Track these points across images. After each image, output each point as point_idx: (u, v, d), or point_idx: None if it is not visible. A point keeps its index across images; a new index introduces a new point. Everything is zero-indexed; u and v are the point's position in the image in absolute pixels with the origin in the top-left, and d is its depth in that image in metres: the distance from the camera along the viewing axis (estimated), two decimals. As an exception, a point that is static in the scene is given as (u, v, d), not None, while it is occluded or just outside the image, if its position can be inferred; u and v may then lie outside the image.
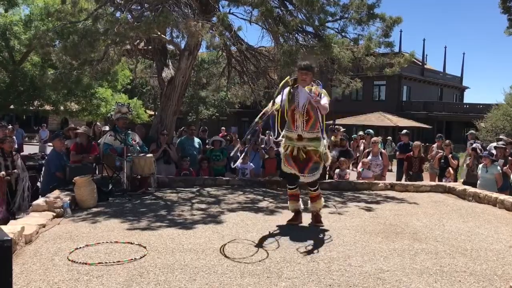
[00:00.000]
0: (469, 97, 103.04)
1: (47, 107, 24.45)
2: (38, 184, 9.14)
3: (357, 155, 11.44)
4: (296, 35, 9.55)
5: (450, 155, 10.14)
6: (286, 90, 5.56)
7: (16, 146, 10.82)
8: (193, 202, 7.40)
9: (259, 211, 6.76)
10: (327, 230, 5.70)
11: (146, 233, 5.32)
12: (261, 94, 12.18)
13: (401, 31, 34.21)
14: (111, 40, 8.36)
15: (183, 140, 10.10)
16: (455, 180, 10.03)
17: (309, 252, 4.72)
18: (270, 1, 8.77)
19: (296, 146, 5.64)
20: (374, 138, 10.49)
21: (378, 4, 9.17)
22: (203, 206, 7.07)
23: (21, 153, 10.37)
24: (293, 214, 6.08)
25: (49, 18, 11.76)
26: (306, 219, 6.07)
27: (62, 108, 23.85)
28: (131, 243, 4.86)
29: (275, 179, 9.21)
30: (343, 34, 9.51)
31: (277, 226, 5.85)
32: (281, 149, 5.93)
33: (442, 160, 10.22)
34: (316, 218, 6.04)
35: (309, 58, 6.16)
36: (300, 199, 6.09)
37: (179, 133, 11.23)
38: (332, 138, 10.28)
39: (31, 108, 23.90)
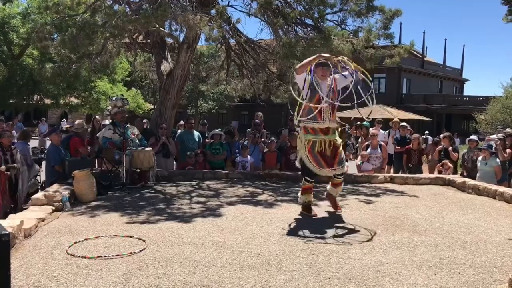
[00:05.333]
0: (469, 90, 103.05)
1: (47, 101, 24.40)
2: (38, 177, 9.16)
3: (356, 145, 11.43)
4: (296, 27, 9.51)
5: (450, 148, 10.13)
6: (307, 80, 5.61)
7: (15, 140, 10.82)
8: (192, 195, 7.39)
9: (259, 204, 6.76)
10: (327, 223, 5.70)
11: (145, 227, 5.32)
12: (261, 87, 12.14)
13: (401, 24, 34.17)
14: (109, 33, 8.32)
15: (182, 134, 10.07)
16: (455, 172, 10.02)
17: (308, 245, 4.72)
18: (269, -7, 8.70)
19: (323, 141, 5.72)
20: (373, 131, 10.46)
21: (377, -4, 9.12)
22: (202, 199, 7.06)
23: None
24: (306, 206, 6.12)
25: (47, 11, 11.70)
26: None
27: (62, 102, 23.81)
28: (131, 237, 4.86)
29: (275, 172, 9.21)
30: (342, 26, 9.49)
31: (276, 219, 5.85)
32: (303, 146, 5.86)
33: (442, 153, 10.21)
34: (336, 203, 6.37)
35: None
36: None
37: (177, 126, 11.19)
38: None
39: (30, 102, 23.86)
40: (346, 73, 5.77)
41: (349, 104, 5.80)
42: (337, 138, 6.01)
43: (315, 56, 5.73)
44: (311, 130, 5.78)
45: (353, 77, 5.65)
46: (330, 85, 5.65)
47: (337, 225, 5.65)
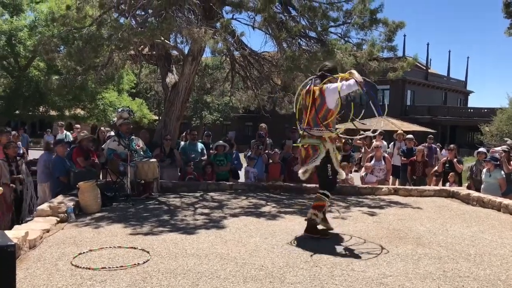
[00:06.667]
0: (474, 101, 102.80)
1: (53, 112, 24.56)
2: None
3: (360, 156, 11.43)
4: (299, 40, 9.58)
5: (455, 160, 10.13)
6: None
7: (21, 151, 10.89)
8: (196, 207, 7.41)
9: (262, 216, 6.76)
10: (330, 235, 5.70)
11: (149, 238, 5.34)
12: (265, 99, 12.20)
13: (404, 36, 34.22)
14: (115, 46, 8.41)
15: (185, 146, 10.11)
16: (460, 184, 10.00)
17: (312, 257, 4.72)
18: (273, 7, 8.79)
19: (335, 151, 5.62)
20: (376, 143, 10.48)
21: (380, 9, 9.20)
22: (206, 211, 7.08)
23: (26, 158, 10.46)
24: (314, 227, 5.57)
25: (54, 24, 11.86)
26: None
27: (67, 113, 23.96)
28: (135, 248, 4.88)
29: (278, 183, 9.22)
30: (346, 39, 9.55)
31: (280, 230, 5.85)
32: (334, 155, 5.52)
33: (447, 165, 10.20)
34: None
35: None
36: None
37: (181, 138, 11.24)
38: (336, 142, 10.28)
39: (36, 113, 24.02)
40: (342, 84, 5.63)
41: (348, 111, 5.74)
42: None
43: (360, 79, 5.34)
44: (329, 139, 5.50)
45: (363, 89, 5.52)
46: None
47: (341, 237, 5.64)
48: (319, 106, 5.38)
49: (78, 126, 14.08)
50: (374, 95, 5.50)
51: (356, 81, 5.17)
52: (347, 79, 5.31)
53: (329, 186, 5.64)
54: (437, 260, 4.70)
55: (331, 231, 5.79)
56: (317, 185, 6.05)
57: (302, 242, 5.30)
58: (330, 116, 5.41)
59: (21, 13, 20.88)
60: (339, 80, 5.33)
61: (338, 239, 5.53)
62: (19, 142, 10.96)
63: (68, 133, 13.11)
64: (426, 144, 11.77)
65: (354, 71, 5.42)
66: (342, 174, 5.76)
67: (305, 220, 5.66)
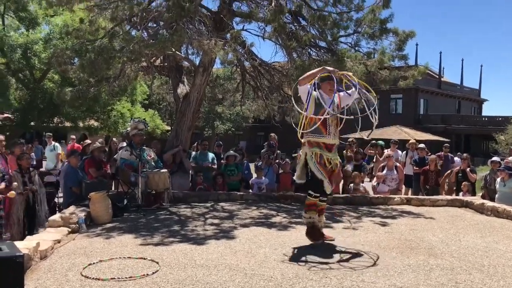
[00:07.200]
0: (488, 110, 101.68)
1: (67, 124, 24.82)
2: (56, 199, 9.32)
3: (371, 165, 11.34)
4: (309, 49, 9.60)
5: (468, 169, 10.00)
6: (312, 94, 5.46)
7: (35, 162, 11.04)
8: (206, 217, 7.41)
9: (272, 227, 6.74)
10: (340, 246, 5.65)
11: (159, 249, 5.35)
12: (275, 108, 12.22)
13: (417, 45, 34.11)
14: (127, 58, 8.52)
15: (196, 155, 10.15)
16: (473, 194, 9.86)
17: (322, 268, 4.68)
18: (283, 17, 8.83)
19: (327, 158, 5.48)
20: (388, 152, 10.40)
21: (390, 19, 9.17)
22: (216, 221, 7.08)
23: (40, 169, 10.61)
24: (311, 227, 5.66)
25: (68, 37, 12.07)
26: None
27: (81, 124, 24.19)
28: (144, 259, 4.89)
29: (289, 193, 9.19)
30: (356, 48, 9.54)
31: (290, 241, 5.82)
32: (310, 157, 5.48)
33: (460, 174, 10.08)
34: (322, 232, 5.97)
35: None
36: None
37: (192, 148, 11.28)
38: (348, 152, 10.25)
39: (51, 125, 24.29)
40: (350, 91, 5.68)
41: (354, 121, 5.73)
42: (338, 158, 5.79)
43: (319, 68, 5.63)
44: (316, 144, 5.49)
45: (360, 94, 5.57)
46: (335, 101, 5.47)
47: (351, 248, 5.59)
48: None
49: (73, 136, 14.19)
50: (356, 84, 5.47)
51: (311, 73, 5.47)
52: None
53: (308, 186, 5.67)
54: (449, 271, 4.62)
55: (328, 239, 5.83)
56: (334, 195, 6.16)
57: (312, 252, 5.26)
58: (314, 121, 5.41)
59: (37, 26, 21.23)
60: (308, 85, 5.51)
61: (348, 249, 5.47)
62: (33, 153, 11.11)
63: (57, 144, 13.01)
64: (442, 153, 11.61)
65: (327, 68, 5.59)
66: (324, 181, 5.50)
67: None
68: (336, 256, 5.15)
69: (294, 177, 5.91)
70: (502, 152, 21.61)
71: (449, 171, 10.35)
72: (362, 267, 4.74)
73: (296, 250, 5.39)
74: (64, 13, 19.07)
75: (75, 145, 13.83)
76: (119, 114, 23.03)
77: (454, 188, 10.18)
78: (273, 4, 8.54)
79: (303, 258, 5.04)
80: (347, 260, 5.01)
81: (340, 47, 9.41)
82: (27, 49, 20.12)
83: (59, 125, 25.07)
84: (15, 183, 6.81)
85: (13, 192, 6.34)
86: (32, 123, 23.00)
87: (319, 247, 5.52)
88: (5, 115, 22.32)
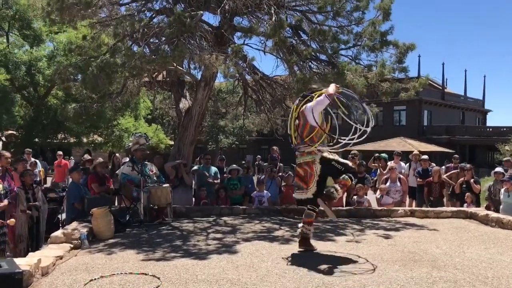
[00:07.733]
0: (492, 120, 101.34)
1: (71, 139, 24.95)
2: (59, 216, 9.30)
3: (375, 178, 11.29)
4: (310, 63, 9.65)
5: (472, 180, 9.94)
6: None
7: (38, 178, 11.07)
8: (209, 231, 7.39)
9: (275, 240, 6.71)
10: (343, 258, 5.62)
11: (160, 264, 5.33)
12: (278, 122, 12.24)
13: (419, 56, 34.10)
14: (129, 73, 8.57)
15: (199, 169, 10.14)
16: (478, 205, 9.79)
17: (324, 282, 4.64)
18: (283, 32, 8.89)
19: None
20: (391, 164, 10.37)
21: (391, 31, 9.22)
22: (218, 235, 7.05)
23: (44, 186, 10.63)
24: (307, 240, 6.04)
25: (72, 53, 12.19)
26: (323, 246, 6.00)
27: (85, 140, 24.30)
28: (145, 274, 4.87)
29: (292, 207, 9.15)
30: (356, 61, 9.58)
31: (292, 255, 5.79)
32: (331, 155, 5.86)
33: (464, 185, 10.02)
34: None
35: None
36: None
37: (195, 162, 11.29)
38: (351, 164, 10.21)
39: (55, 141, 24.42)
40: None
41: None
42: None
43: (337, 85, 5.83)
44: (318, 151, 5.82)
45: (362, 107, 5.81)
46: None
47: (354, 261, 5.55)
48: (303, 126, 5.77)
49: (60, 152, 14.31)
50: (354, 97, 5.91)
51: (325, 95, 5.54)
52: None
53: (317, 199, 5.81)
54: (452, 284, 4.58)
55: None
56: (338, 207, 6.16)
57: (314, 266, 5.22)
58: (317, 132, 5.68)
59: (41, 43, 21.48)
60: (314, 98, 5.69)
61: (351, 262, 5.44)
62: (36, 170, 11.12)
63: (37, 160, 12.97)
64: (452, 164, 11.46)
65: (332, 85, 5.72)
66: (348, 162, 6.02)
67: (298, 234, 6.05)
68: (338, 270, 5.11)
69: (294, 195, 6.17)
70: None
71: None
72: (364, 280, 4.71)
73: (298, 264, 5.36)
74: (68, 30, 19.30)
75: (62, 161, 13.95)
76: (123, 128, 23.12)
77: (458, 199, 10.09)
78: (273, 19, 8.61)
79: (305, 272, 5.01)
80: (349, 274, 4.97)
81: (340, 60, 9.45)
82: (31, 66, 20.33)
83: (63, 141, 25.20)
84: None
85: (12, 220, 6.34)
86: (36, 139, 23.13)
87: (322, 261, 5.49)
88: (10, 131, 22.46)
